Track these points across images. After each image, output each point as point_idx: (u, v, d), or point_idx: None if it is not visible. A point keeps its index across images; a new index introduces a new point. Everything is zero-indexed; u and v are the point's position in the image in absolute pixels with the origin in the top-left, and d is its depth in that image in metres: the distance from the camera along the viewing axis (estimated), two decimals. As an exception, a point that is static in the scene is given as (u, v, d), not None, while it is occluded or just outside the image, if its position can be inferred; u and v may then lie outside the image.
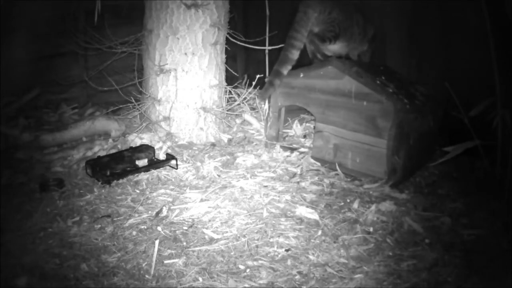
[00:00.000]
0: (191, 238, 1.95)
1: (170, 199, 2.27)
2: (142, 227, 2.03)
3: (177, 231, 1.99)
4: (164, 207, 2.16)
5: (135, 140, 2.86)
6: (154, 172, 2.55)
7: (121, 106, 3.20)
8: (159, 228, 2.01)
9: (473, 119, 2.23)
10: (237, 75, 3.23)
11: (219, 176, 2.52)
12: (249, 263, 1.77)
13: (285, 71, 2.70)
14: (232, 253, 1.84)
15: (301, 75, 2.67)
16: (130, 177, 2.51)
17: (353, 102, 2.46)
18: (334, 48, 2.72)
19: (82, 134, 3.01)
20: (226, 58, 3.14)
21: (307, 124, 3.17)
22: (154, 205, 2.23)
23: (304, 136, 3.05)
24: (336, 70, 2.51)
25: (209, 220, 2.08)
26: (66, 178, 2.49)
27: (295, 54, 2.68)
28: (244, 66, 3.99)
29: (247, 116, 3.31)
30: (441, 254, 1.81)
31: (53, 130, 2.97)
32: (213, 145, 2.97)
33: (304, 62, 2.89)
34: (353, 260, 1.79)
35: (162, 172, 2.55)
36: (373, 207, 2.13)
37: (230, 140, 3.08)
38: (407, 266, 1.75)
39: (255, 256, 1.82)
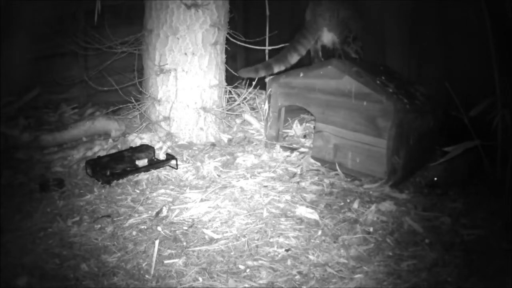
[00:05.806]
0: (191, 238, 1.95)
1: (170, 199, 2.27)
2: (142, 227, 2.03)
3: (177, 231, 1.99)
4: (164, 207, 2.16)
5: (135, 140, 2.86)
6: (154, 172, 2.54)
7: (121, 106, 3.20)
8: (159, 228, 2.01)
9: (473, 119, 2.23)
10: (237, 75, 3.23)
11: (219, 176, 2.52)
12: (249, 263, 1.77)
13: (276, 69, 2.78)
14: (232, 253, 1.84)
15: (301, 75, 2.67)
16: (130, 177, 2.51)
17: (353, 102, 2.45)
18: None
19: (82, 134, 3.00)
20: (226, 58, 3.14)
21: (307, 124, 3.17)
22: (154, 205, 2.23)
23: (304, 136, 3.05)
24: (336, 70, 2.51)
25: (209, 220, 2.08)
26: (66, 178, 2.49)
27: (294, 58, 2.70)
28: (244, 66, 3.98)
29: (247, 116, 3.31)
30: (441, 254, 1.81)
31: (53, 130, 2.97)
32: (213, 145, 2.97)
33: (304, 62, 2.90)
34: (353, 260, 1.79)
35: (162, 172, 2.55)
36: (373, 207, 2.13)
37: (230, 140, 3.08)
38: (407, 266, 1.75)
39: (255, 256, 1.82)
